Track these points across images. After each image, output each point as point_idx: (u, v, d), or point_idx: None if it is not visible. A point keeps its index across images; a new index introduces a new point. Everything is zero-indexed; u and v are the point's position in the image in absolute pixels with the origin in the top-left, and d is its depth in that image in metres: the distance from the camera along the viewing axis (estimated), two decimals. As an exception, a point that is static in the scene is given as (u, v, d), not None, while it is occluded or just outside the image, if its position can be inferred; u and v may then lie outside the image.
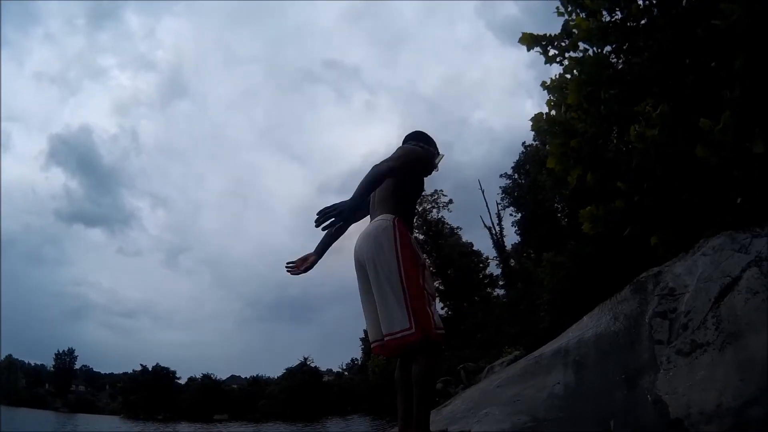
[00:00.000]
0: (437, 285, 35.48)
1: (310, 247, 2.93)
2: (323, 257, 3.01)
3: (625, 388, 2.50)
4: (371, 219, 2.78)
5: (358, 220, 3.06)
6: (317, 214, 2.45)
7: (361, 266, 2.68)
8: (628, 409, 2.40)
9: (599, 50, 5.09)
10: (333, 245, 3.03)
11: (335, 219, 2.45)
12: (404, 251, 2.53)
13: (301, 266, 2.97)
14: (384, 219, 2.64)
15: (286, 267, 2.96)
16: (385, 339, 2.48)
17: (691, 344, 2.42)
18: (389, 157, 2.75)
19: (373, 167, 2.64)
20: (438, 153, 3.00)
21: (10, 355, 62.79)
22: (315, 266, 2.91)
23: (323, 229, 2.54)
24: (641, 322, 2.75)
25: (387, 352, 2.62)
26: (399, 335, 2.41)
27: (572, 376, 2.77)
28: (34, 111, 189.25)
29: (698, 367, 2.33)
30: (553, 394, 2.71)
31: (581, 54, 5.17)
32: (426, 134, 3.04)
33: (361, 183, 2.58)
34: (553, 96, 5.54)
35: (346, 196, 2.69)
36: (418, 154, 2.87)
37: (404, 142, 3.00)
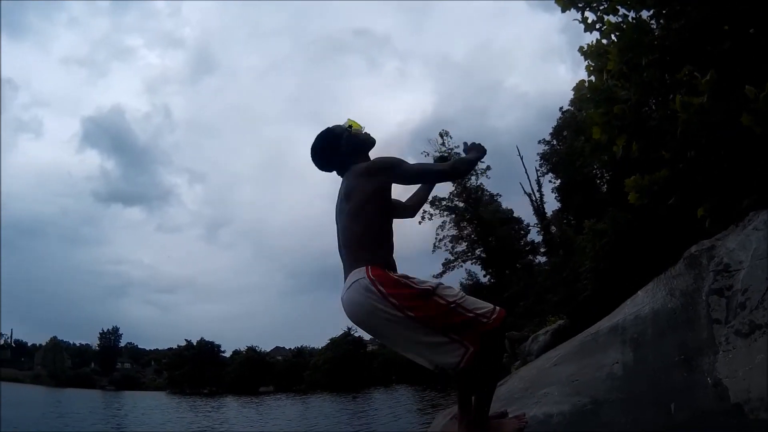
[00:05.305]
0: (479, 253, 35.55)
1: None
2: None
3: (684, 369, 2.48)
4: (347, 271, 2.36)
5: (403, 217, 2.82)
6: None
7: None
8: (687, 392, 2.39)
9: (637, 14, 4.98)
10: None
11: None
12: (395, 299, 2.17)
13: None
14: (358, 276, 2.26)
15: None
16: (455, 372, 2.20)
17: (750, 325, 2.40)
18: (392, 166, 2.44)
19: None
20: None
21: (54, 337, 66.01)
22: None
23: None
24: (698, 299, 2.73)
25: None
26: (464, 361, 2.12)
27: (630, 354, 2.77)
28: (65, 95, 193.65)
29: (757, 349, 2.29)
30: (612, 374, 2.72)
31: (620, 19, 5.06)
32: (331, 132, 2.67)
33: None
34: (592, 62, 5.44)
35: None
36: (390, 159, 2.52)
37: (321, 155, 2.65)
